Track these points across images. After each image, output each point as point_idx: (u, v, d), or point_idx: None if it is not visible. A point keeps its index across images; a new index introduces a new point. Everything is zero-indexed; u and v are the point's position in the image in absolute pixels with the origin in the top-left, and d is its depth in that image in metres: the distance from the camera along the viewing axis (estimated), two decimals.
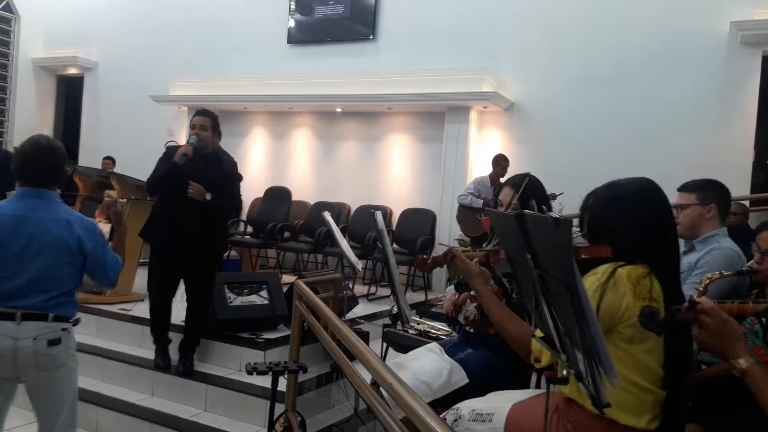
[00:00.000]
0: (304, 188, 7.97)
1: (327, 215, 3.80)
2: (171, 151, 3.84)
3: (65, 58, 9.87)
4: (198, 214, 3.72)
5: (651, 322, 1.38)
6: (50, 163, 2.42)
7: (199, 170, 3.71)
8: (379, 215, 2.33)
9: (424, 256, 2.24)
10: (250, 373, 2.33)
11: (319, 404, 3.65)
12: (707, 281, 2.23)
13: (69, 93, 10.42)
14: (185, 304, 3.98)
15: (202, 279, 3.92)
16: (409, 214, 6.84)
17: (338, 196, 7.68)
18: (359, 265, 3.77)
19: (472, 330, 2.48)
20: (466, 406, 1.95)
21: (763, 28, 5.73)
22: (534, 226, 1.28)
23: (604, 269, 1.60)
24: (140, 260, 5.49)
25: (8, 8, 9.70)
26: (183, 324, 4.05)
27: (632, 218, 1.65)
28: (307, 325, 2.97)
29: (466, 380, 2.31)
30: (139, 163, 7.63)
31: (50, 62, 10.10)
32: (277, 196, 7.70)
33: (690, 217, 2.55)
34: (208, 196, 3.66)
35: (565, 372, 1.37)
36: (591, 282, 1.57)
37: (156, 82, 8.80)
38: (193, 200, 3.68)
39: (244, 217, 7.82)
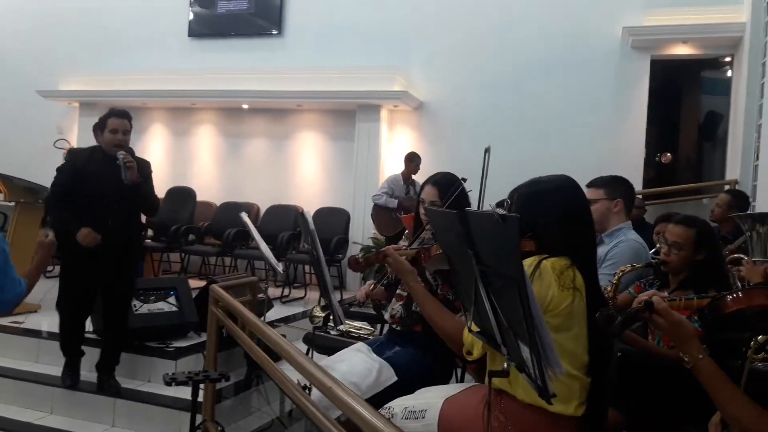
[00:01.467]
0: (208, 188, 7.69)
1: (244, 216, 3.67)
2: (74, 158, 3.55)
3: None
4: (117, 214, 3.49)
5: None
6: None
7: (108, 174, 3.42)
8: (308, 215, 2.28)
9: (358, 257, 2.22)
10: (168, 384, 2.20)
11: (239, 411, 3.52)
12: (621, 274, 2.38)
13: None
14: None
15: (124, 288, 3.65)
16: (323, 214, 6.78)
17: (246, 195, 7.48)
18: (280, 267, 3.67)
19: (398, 328, 2.49)
20: (398, 405, 1.95)
21: (652, 33, 6.18)
22: (478, 224, 1.29)
23: (529, 262, 1.65)
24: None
25: None
26: (96, 337, 3.77)
27: (554, 213, 1.72)
28: (224, 332, 2.86)
29: (395, 378, 2.31)
30: (25, 163, 7.08)
31: None
32: (180, 196, 7.36)
33: (599, 212, 2.68)
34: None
35: (506, 365, 1.40)
36: None
37: (44, 75, 8.16)
38: (110, 203, 3.44)
39: (143, 219, 7.40)
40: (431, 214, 1.71)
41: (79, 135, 7.96)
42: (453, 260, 1.53)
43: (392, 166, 6.88)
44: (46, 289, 5.17)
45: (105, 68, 8.04)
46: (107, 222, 3.49)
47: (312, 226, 2.22)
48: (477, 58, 6.89)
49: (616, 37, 6.38)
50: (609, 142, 6.35)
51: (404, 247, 2.25)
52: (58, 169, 3.73)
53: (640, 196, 5.32)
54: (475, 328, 1.56)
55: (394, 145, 7.16)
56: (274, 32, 7.63)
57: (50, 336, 4.11)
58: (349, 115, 7.13)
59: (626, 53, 6.35)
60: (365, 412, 1.35)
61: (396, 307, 2.47)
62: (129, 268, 3.73)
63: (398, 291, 2.50)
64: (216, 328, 2.84)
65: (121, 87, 7.73)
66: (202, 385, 2.53)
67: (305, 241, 2.29)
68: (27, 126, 8.41)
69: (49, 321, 4.40)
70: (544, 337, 1.16)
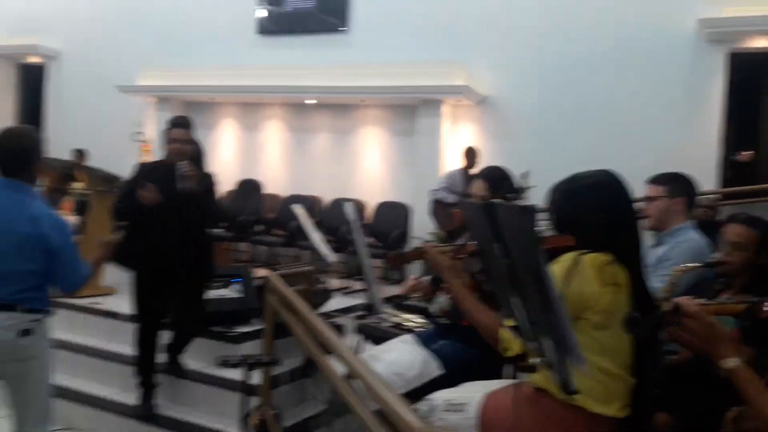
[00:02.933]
0: (275, 181, 7.92)
1: (297, 208, 3.77)
2: (140, 170, 3.60)
3: (26, 47, 9.59)
4: (178, 226, 3.41)
5: (636, 327, 1.39)
6: (13, 150, 2.38)
7: (172, 184, 3.33)
8: (349, 207, 2.35)
9: (396, 252, 2.28)
10: (221, 366, 2.32)
11: (294, 398, 3.66)
12: (676, 274, 2.30)
13: (31, 82, 10.13)
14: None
15: (195, 287, 3.63)
16: (384, 208, 6.87)
17: (311, 189, 7.66)
18: (331, 257, 3.76)
19: (445, 321, 2.52)
20: (440, 397, 1.98)
21: (731, 25, 5.87)
22: (502, 215, 1.31)
23: (567, 257, 1.64)
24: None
25: None
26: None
27: (592, 208, 1.70)
28: (281, 319, 2.97)
29: (440, 371, 2.34)
30: (106, 154, 7.53)
31: (10, 51, 9.80)
32: (249, 188, 7.65)
33: (658, 210, 2.61)
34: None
35: (533, 360, 1.41)
36: (555, 270, 1.61)
37: (122, 72, 8.62)
38: (171, 216, 3.36)
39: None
40: (464, 207, 1.74)
41: (155, 128, 8.36)
42: (484, 254, 1.55)
43: (454, 161, 6.87)
44: (122, 274, 5.51)
45: (179, 64, 8.40)
46: (168, 235, 3.41)
47: (352, 216, 2.28)
48: (541, 52, 6.76)
49: (690, 29, 6.10)
50: (680, 139, 6.09)
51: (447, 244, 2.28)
52: (125, 181, 3.78)
53: (712, 196, 5.09)
54: (509, 324, 1.58)
55: (456, 140, 7.14)
56: (340, 28, 7.75)
57: (124, 318, 4.38)
58: (410, 110, 7.17)
59: (700, 46, 6.06)
60: (399, 405, 1.39)
61: (443, 300, 2.50)
62: (198, 272, 3.65)
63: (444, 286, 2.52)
64: (272, 316, 2.95)
65: (194, 83, 8.06)
66: (256, 370, 2.65)
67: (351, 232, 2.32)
68: (106, 119, 8.91)
69: (123, 303, 4.66)
70: (566, 331, 1.17)
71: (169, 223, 3.38)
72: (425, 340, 2.51)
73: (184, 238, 3.44)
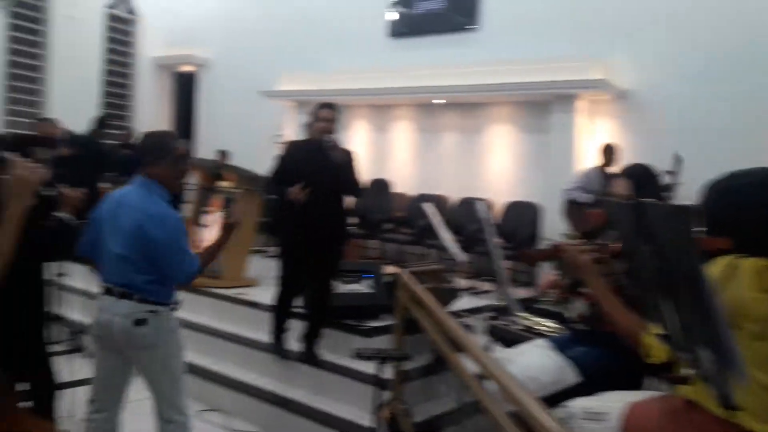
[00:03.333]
0: (404, 180, 8.05)
1: (427, 207, 3.80)
2: (290, 147, 3.97)
3: (181, 57, 10.53)
4: (326, 200, 3.81)
5: None
6: (150, 151, 2.57)
7: (319, 160, 3.77)
8: (481, 206, 2.32)
9: (530, 249, 2.22)
10: (356, 357, 2.41)
11: (424, 394, 3.70)
12: None
13: (183, 89, 11.10)
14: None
15: (329, 270, 4.00)
16: (513, 208, 6.74)
17: (439, 188, 7.69)
18: (460, 256, 3.74)
19: (582, 327, 2.42)
20: (578, 405, 1.91)
21: None
22: (653, 215, 1.24)
23: (723, 261, 1.51)
24: (253, 248, 5.80)
25: (131, 11, 10.47)
26: (302, 311, 4.20)
27: (753, 210, 1.55)
28: (411, 316, 3.01)
29: (577, 378, 2.26)
30: (248, 155, 8.06)
31: (167, 61, 10.81)
32: (379, 188, 7.84)
33: None
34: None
35: (686, 371, 1.31)
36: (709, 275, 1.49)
37: (265, 77, 9.18)
38: (321, 191, 3.74)
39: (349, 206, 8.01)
40: (609, 207, 1.65)
41: (294, 131, 8.81)
42: (631, 256, 1.47)
43: (590, 159, 6.58)
44: (264, 268, 5.88)
45: (316, 69, 8.80)
46: (317, 206, 3.78)
47: (483, 215, 2.26)
48: (691, 42, 6.26)
49: None
50: None
51: (583, 244, 2.19)
52: (276, 157, 4.19)
53: None
54: (656, 331, 1.48)
55: (592, 136, 6.82)
56: (470, 27, 7.70)
57: (265, 308, 4.67)
58: (542, 107, 6.96)
59: None
60: (538, 409, 1.36)
61: (579, 304, 2.41)
62: (335, 252, 4.03)
63: (583, 289, 2.42)
64: (402, 312, 3.01)
65: (329, 86, 8.40)
66: (388, 364, 2.71)
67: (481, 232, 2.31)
68: (249, 122, 9.53)
69: (265, 295, 4.97)
70: (727, 340, 1.08)
71: (321, 196, 3.73)
72: (560, 345, 2.43)
73: (331, 210, 3.87)
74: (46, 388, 2.79)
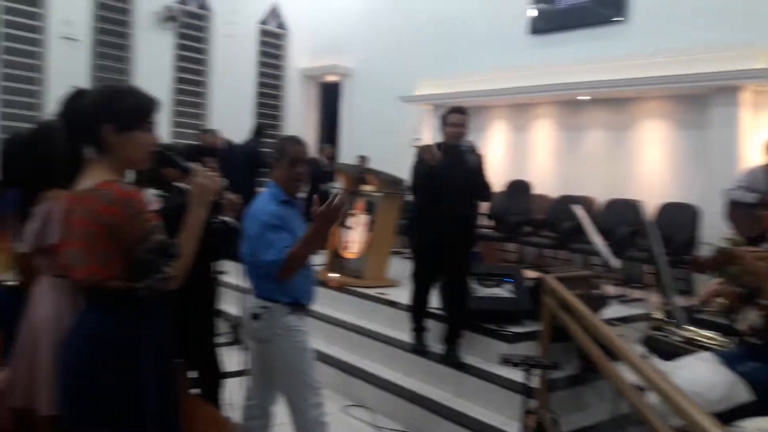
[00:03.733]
0: (545, 181, 7.80)
1: (578, 209, 3.66)
2: (422, 154, 4.04)
3: (326, 67, 11.03)
4: (460, 202, 3.92)
5: None
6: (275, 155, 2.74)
7: (454, 164, 3.85)
8: (642, 207, 2.19)
9: (701, 257, 2.05)
10: (503, 363, 2.37)
11: (571, 404, 3.56)
12: None
13: (328, 98, 11.62)
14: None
15: (462, 270, 4.08)
16: (668, 210, 6.27)
17: (583, 189, 7.35)
18: (614, 262, 3.56)
19: (756, 341, 2.20)
20: (753, 425, 1.75)
21: None
22: None
23: None
24: (393, 249, 5.93)
25: (281, 26, 11.16)
26: (441, 313, 4.26)
27: None
28: (558, 323, 2.92)
29: (749, 397, 2.06)
30: (387, 160, 8.25)
31: (314, 72, 11.37)
32: (518, 189, 7.66)
33: None
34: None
35: None
36: None
37: (403, 83, 9.34)
38: (453, 196, 3.87)
39: (484, 210, 7.95)
40: None
41: (431, 134, 8.90)
42: None
43: (756, 155, 5.95)
44: (404, 269, 5.99)
45: (453, 71, 8.81)
46: (451, 210, 3.90)
47: (647, 218, 2.12)
48: None
49: None
50: None
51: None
52: (413, 169, 4.26)
53: None
54: None
55: (757, 131, 6.17)
56: (618, 19, 7.29)
57: (403, 308, 4.76)
58: (699, 100, 6.41)
59: None
60: (711, 425, 1.26)
61: (752, 316, 2.19)
62: (467, 254, 4.12)
63: (758, 300, 2.20)
64: (549, 318, 2.92)
65: (466, 88, 8.37)
66: (535, 372, 2.64)
67: (639, 236, 2.17)
68: (388, 127, 9.75)
69: (404, 295, 5.06)
70: None
71: (455, 199, 3.87)
72: (729, 360, 2.23)
73: (464, 213, 3.95)
74: (213, 377, 3.06)
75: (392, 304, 4.92)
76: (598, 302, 4.11)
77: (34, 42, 8.63)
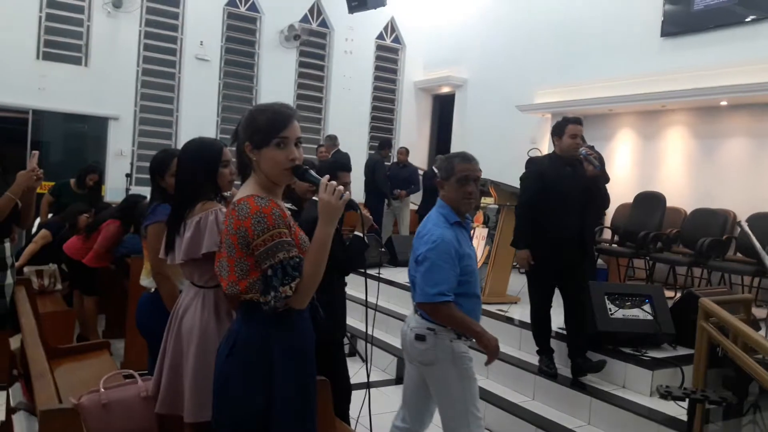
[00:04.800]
0: (678, 193, 7.23)
1: (745, 225, 3.32)
2: (536, 166, 3.88)
3: (440, 79, 10.98)
4: (577, 215, 3.76)
5: None
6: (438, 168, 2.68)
7: (568, 177, 3.69)
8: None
9: None
10: (664, 397, 2.16)
11: None
12: None
13: (442, 110, 11.56)
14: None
15: (581, 283, 3.90)
16: None
17: (721, 202, 6.75)
18: None
19: None
20: None
21: None
22: None
23: None
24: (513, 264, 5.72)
25: (397, 39, 11.27)
26: (563, 331, 4.06)
27: None
28: (719, 351, 2.63)
29: None
30: (504, 171, 8.04)
31: (428, 84, 11.37)
32: (649, 201, 7.15)
33: None
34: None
35: None
36: None
37: (520, 92, 9.10)
38: (572, 210, 3.73)
39: (608, 223, 7.53)
40: None
41: (549, 144, 8.57)
42: None
43: None
44: (523, 283, 5.77)
45: (573, 79, 8.44)
46: (567, 225, 3.73)
47: None
48: None
49: None
50: None
51: None
52: (523, 179, 4.09)
53: None
54: None
55: None
56: (761, 18, 6.65)
57: (527, 326, 4.55)
58: None
59: None
60: None
61: None
62: (581, 269, 3.90)
63: None
64: (707, 345, 2.64)
65: (588, 95, 7.99)
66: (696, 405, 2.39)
67: None
68: (505, 138, 9.52)
69: (527, 312, 4.86)
70: None
71: (571, 213, 3.74)
72: None
73: (580, 225, 3.79)
74: (341, 390, 3.03)
75: (514, 322, 4.74)
76: (753, 327, 3.71)
77: (171, 63, 9.28)
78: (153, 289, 2.74)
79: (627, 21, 8.01)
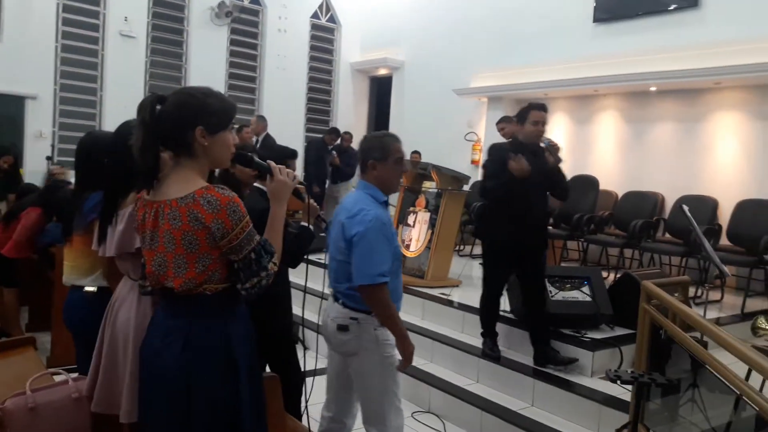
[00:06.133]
0: (610, 176, 7.47)
1: (686, 209, 3.40)
2: (500, 153, 3.80)
3: (377, 60, 10.88)
4: (538, 203, 3.77)
5: None
6: (367, 149, 2.55)
7: (533, 165, 3.61)
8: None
9: None
10: (613, 381, 2.18)
11: (663, 417, 3.32)
12: None
13: (379, 92, 11.47)
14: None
15: (541, 270, 3.91)
16: (746, 207, 5.90)
17: (651, 184, 7.02)
18: (725, 270, 3.29)
19: None
20: None
21: None
22: None
23: None
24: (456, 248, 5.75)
25: (332, 19, 11.06)
26: (510, 315, 4.08)
27: None
28: (662, 333, 2.70)
29: None
30: (441, 154, 8.07)
31: (364, 65, 11.24)
32: (582, 185, 7.34)
33: None
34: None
35: None
36: None
37: (457, 75, 9.13)
38: (534, 197, 3.73)
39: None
40: None
41: (486, 128, 8.66)
42: None
43: None
44: (464, 267, 5.82)
45: (509, 63, 8.53)
46: (530, 211, 3.73)
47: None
48: None
49: None
50: None
51: None
52: (486, 165, 4.06)
53: None
54: None
55: None
56: (687, 6, 6.90)
57: (470, 309, 4.58)
58: None
59: None
60: None
61: None
62: (542, 255, 3.95)
63: None
64: (649, 327, 2.70)
65: (523, 80, 8.10)
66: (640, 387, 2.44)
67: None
68: (441, 121, 9.55)
69: (469, 295, 4.90)
70: None
71: (533, 200, 3.73)
72: None
73: (541, 214, 3.85)
74: (292, 382, 2.94)
75: (458, 306, 4.76)
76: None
77: (93, 40, 8.74)
78: (95, 289, 2.50)
79: (562, 6, 8.13)
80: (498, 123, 6.14)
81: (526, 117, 3.80)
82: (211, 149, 1.72)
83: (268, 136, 8.08)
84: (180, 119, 1.70)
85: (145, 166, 1.72)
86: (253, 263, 1.69)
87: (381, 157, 2.49)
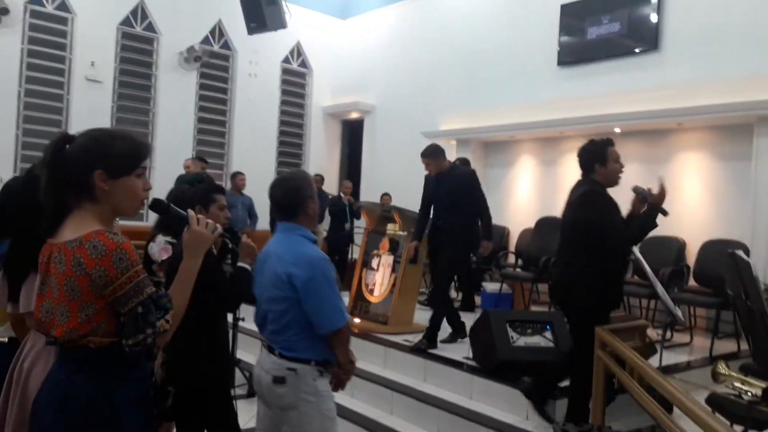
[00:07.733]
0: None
1: (636, 251, 3.34)
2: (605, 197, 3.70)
3: (348, 104, 10.92)
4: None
5: None
6: (279, 195, 2.42)
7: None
8: (740, 255, 1.87)
9: None
10: None
11: None
12: None
13: (351, 135, 11.48)
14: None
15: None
16: (711, 248, 5.87)
17: None
18: (679, 313, 3.20)
19: None
20: None
21: None
22: None
23: None
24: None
25: (303, 64, 11.12)
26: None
27: None
28: (615, 382, 2.59)
29: None
30: (411, 197, 8.00)
31: (336, 109, 11.27)
32: (549, 226, 7.29)
33: None
34: None
35: None
36: None
37: (427, 118, 9.17)
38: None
39: (512, 248, 7.63)
40: None
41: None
42: None
43: None
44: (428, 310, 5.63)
45: (477, 107, 8.60)
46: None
47: (748, 267, 1.81)
48: None
49: None
50: None
51: None
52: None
53: None
54: None
55: None
56: (648, 50, 7.03)
57: (433, 358, 4.41)
58: (743, 131, 6.08)
59: None
60: None
61: None
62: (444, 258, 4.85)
63: None
64: (603, 376, 2.58)
65: (491, 122, 8.14)
66: None
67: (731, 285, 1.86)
68: (414, 163, 9.48)
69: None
70: None
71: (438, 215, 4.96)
72: None
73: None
74: None
75: (430, 356, 4.60)
76: (649, 351, 3.75)
77: (59, 84, 8.65)
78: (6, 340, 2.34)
79: (527, 51, 8.26)
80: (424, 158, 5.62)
81: (605, 155, 3.43)
82: (112, 194, 1.61)
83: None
84: (80, 161, 1.60)
85: (48, 208, 1.61)
86: (139, 318, 1.54)
87: (312, 194, 2.44)
